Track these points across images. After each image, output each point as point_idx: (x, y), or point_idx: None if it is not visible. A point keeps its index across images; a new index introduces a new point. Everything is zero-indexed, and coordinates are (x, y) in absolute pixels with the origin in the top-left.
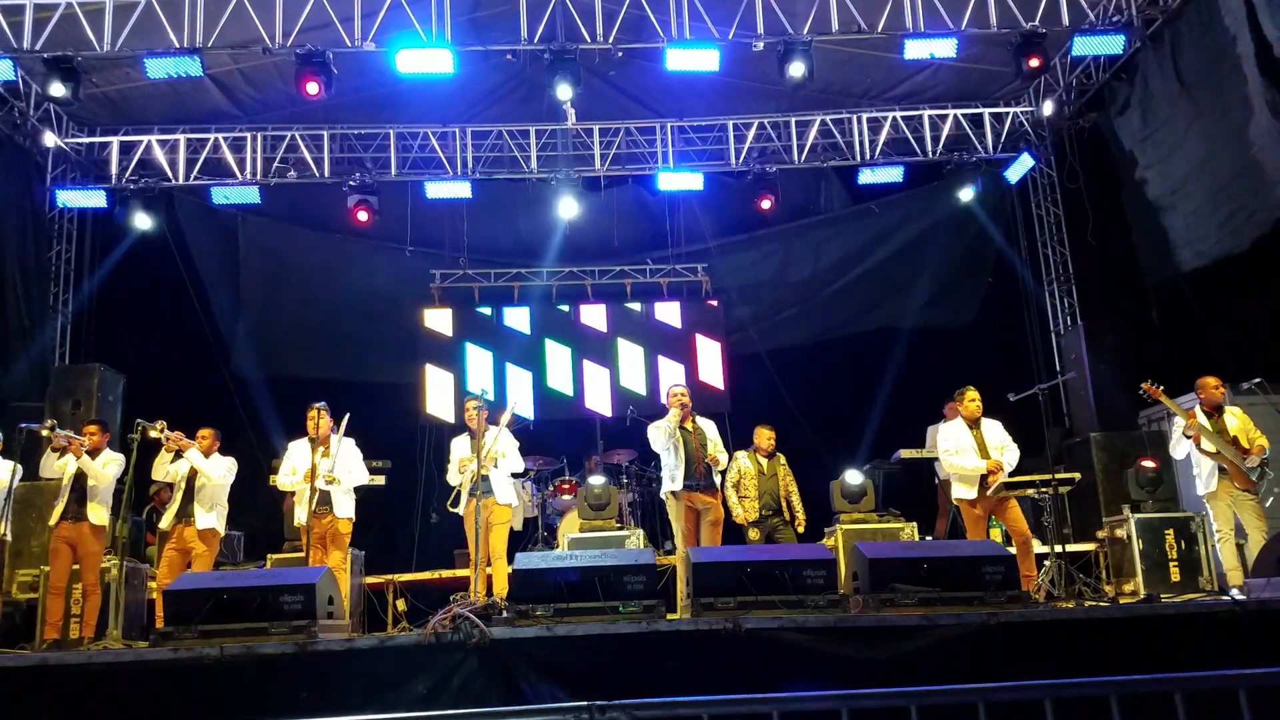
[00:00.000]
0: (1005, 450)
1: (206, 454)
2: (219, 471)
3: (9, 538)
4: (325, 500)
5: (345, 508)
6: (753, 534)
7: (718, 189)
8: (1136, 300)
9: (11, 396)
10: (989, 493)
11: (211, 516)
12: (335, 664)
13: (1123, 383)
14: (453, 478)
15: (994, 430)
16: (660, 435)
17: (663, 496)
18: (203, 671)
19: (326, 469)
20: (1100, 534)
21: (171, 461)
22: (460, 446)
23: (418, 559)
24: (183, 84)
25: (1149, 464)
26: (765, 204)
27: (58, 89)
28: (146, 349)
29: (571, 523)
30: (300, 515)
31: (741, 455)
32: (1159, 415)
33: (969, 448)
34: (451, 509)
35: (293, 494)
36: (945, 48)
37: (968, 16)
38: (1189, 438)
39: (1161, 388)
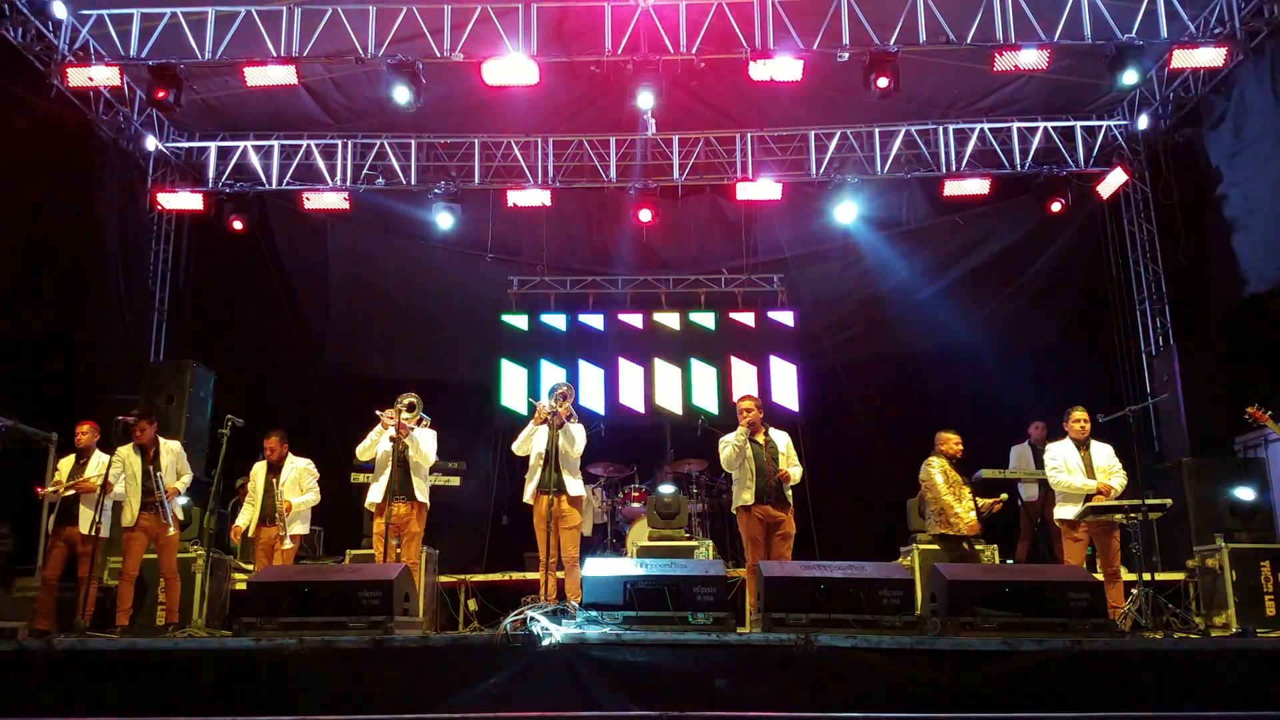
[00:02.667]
0: (1113, 475)
1: (280, 460)
2: (314, 500)
3: (107, 535)
4: (407, 486)
5: (423, 492)
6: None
7: (797, 199)
8: (1228, 322)
9: (109, 389)
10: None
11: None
12: (409, 660)
13: (1216, 407)
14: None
15: (1103, 453)
16: (728, 451)
17: (733, 511)
18: (282, 662)
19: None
20: (1190, 563)
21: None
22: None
23: (488, 560)
24: (278, 92)
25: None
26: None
27: (160, 95)
28: (236, 346)
29: (640, 531)
30: (375, 495)
31: (942, 463)
32: (1255, 441)
33: (1076, 467)
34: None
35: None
36: (1036, 59)
37: (1060, 28)
38: None
39: (1269, 413)
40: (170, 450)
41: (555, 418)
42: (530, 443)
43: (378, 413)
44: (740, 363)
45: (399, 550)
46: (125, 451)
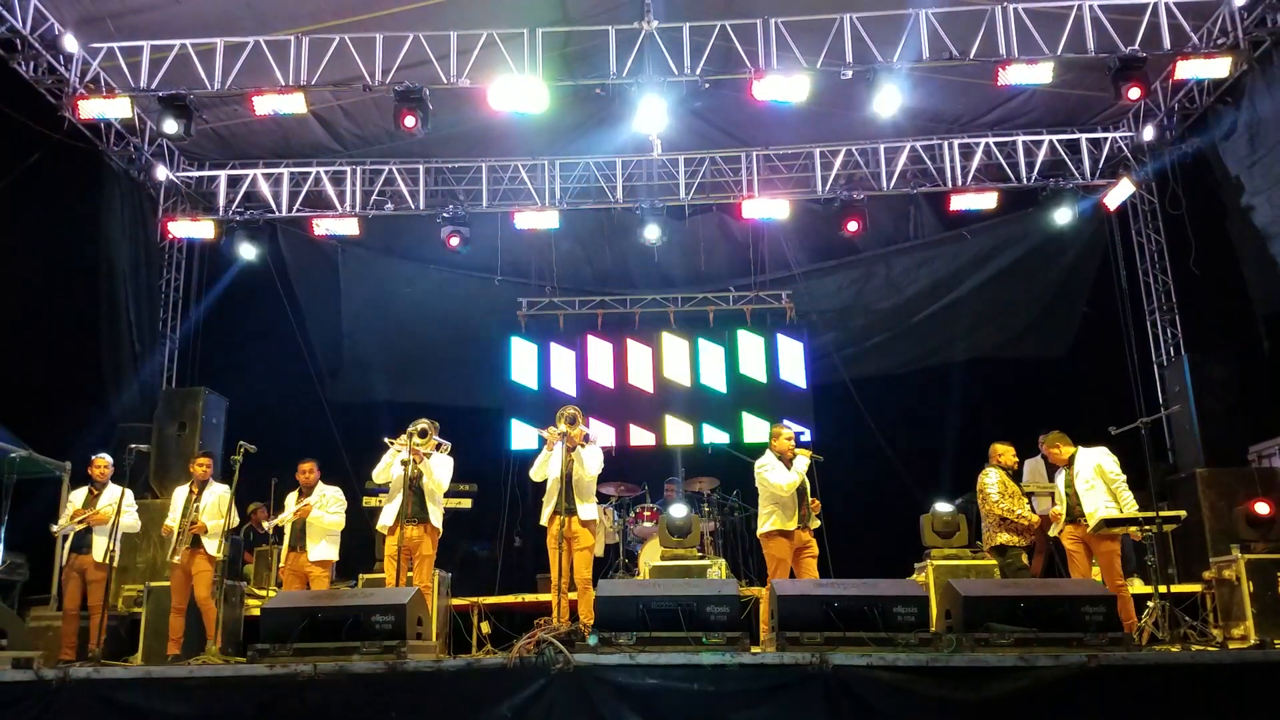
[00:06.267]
0: (1087, 492)
1: (311, 486)
2: (338, 518)
3: (114, 563)
4: (420, 510)
5: (436, 516)
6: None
7: (804, 216)
8: (1245, 331)
9: (121, 418)
10: (1051, 531)
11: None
12: (423, 684)
13: (1230, 417)
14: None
15: (1086, 465)
16: (793, 479)
17: (764, 532)
18: (296, 688)
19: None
20: (1207, 575)
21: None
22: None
23: (501, 582)
24: (287, 120)
25: (1263, 507)
26: (853, 226)
27: (171, 125)
28: (248, 372)
29: (653, 550)
30: (387, 518)
31: (999, 473)
32: (1270, 451)
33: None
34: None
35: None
36: (1040, 74)
37: (1064, 41)
38: None
39: None
40: (214, 492)
41: (567, 440)
42: (545, 468)
43: (387, 440)
44: (749, 379)
45: (410, 574)
46: (182, 490)
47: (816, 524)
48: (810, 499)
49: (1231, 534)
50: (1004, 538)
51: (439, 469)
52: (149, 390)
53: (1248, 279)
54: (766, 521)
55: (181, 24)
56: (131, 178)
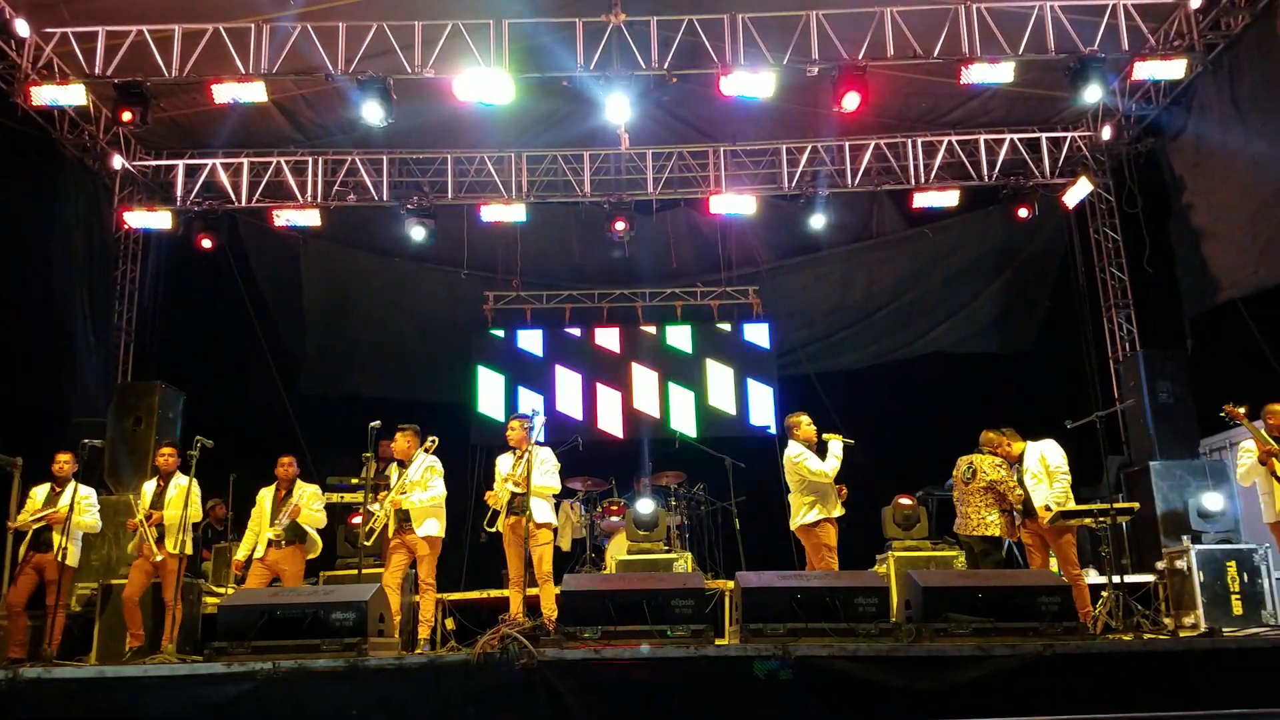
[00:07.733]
0: (1037, 486)
1: (292, 481)
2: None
3: (74, 564)
4: (406, 518)
5: (427, 527)
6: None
7: (770, 212)
8: (1196, 328)
9: (75, 413)
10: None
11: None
12: (385, 682)
13: (1183, 412)
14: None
15: (1033, 459)
16: (835, 465)
17: (807, 523)
18: (255, 686)
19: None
20: (1160, 565)
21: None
22: (504, 464)
23: (467, 578)
24: (247, 109)
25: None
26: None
27: (127, 114)
28: (206, 366)
29: (620, 544)
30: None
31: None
32: (1219, 445)
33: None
34: (488, 529)
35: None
36: (1002, 73)
37: (1025, 41)
38: (1264, 464)
39: (1244, 410)
40: (178, 485)
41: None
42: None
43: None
44: (716, 372)
45: (412, 570)
46: (151, 485)
47: (841, 511)
48: (837, 485)
49: (1183, 525)
50: (1000, 528)
51: (429, 493)
52: (103, 384)
53: (1179, 278)
54: (810, 512)
55: (138, 10)
56: (86, 166)
